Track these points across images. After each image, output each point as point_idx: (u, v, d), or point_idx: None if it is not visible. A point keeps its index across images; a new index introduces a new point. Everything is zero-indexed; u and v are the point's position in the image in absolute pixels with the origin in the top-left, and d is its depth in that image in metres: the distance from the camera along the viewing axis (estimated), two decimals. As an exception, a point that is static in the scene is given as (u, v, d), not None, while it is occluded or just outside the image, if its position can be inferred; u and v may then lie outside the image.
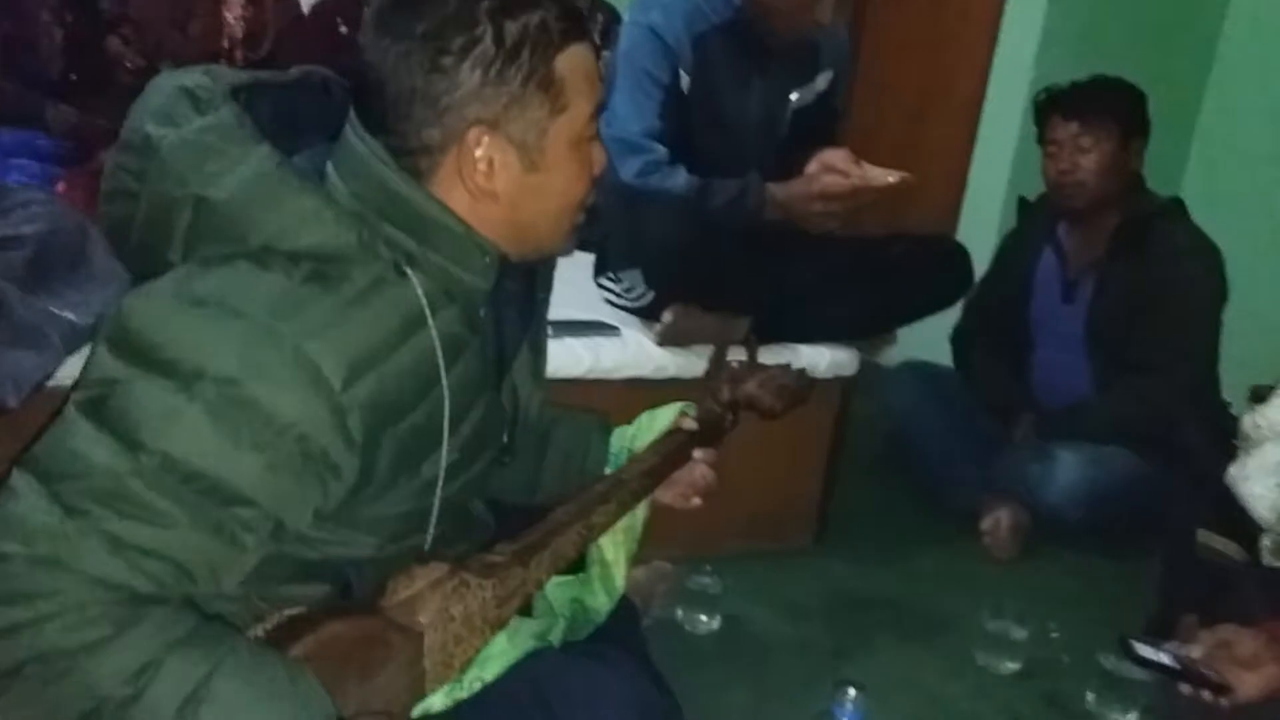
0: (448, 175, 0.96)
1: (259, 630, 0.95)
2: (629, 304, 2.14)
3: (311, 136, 1.03)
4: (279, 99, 1.05)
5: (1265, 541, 1.73)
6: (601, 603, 1.25)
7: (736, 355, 1.43)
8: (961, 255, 2.32)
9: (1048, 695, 1.85)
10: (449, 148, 0.95)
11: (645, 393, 1.95)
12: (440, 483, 1.01)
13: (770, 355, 2.07)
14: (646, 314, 2.09)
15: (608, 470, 1.31)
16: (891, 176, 1.97)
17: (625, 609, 1.30)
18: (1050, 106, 2.44)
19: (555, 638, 1.18)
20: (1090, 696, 1.80)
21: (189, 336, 0.88)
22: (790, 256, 2.11)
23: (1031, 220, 2.62)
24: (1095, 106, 2.37)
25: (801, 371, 1.48)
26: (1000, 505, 2.36)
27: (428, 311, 0.96)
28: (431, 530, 1.04)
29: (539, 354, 1.20)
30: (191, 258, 0.94)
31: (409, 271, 0.96)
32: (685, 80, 2.04)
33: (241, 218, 0.93)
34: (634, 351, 2.01)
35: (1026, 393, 2.56)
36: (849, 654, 1.90)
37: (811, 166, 2.01)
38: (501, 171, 0.96)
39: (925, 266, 2.26)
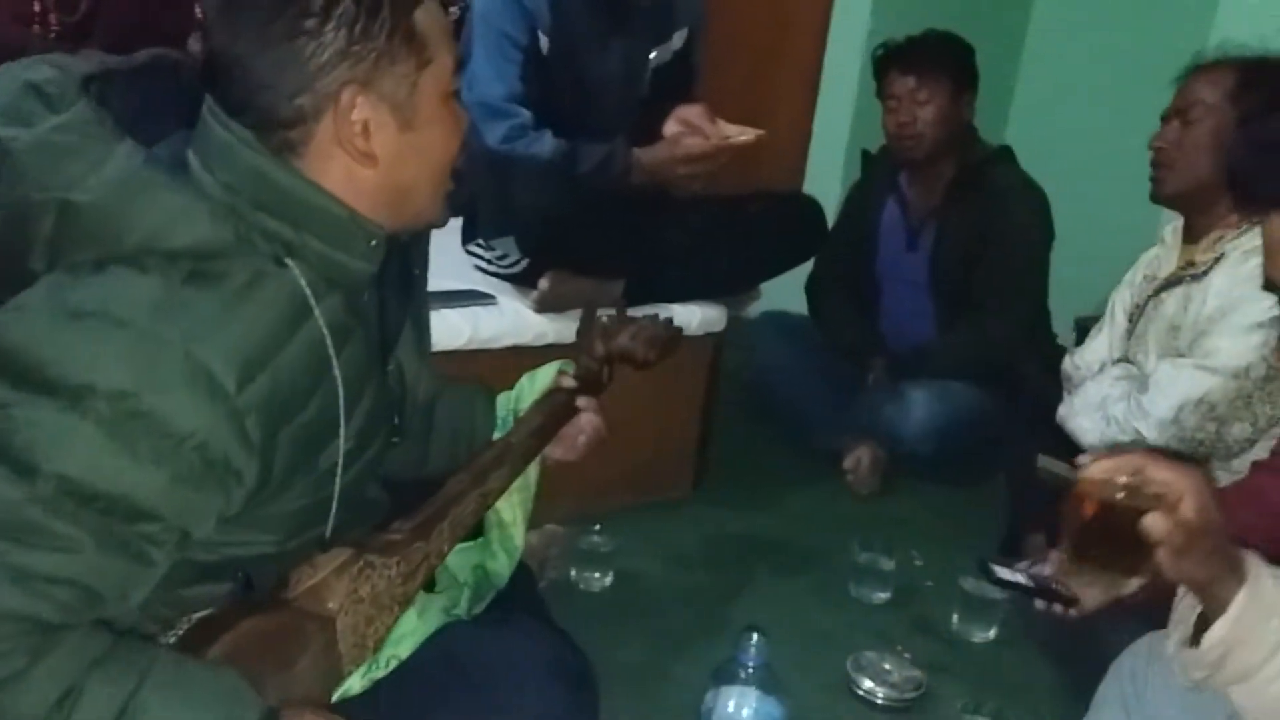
0: (323, 144, 0.93)
1: (170, 638, 0.94)
2: (502, 271, 2.13)
3: (168, 124, 0.98)
4: (131, 86, 1.00)
5: (1094, 470, 1.90)
6: (502, 564, 1.27)
7: (606, 311, 1.46)
8: (815, 210, 2.41)
9: (917, 620, 1.98)
10: (322, 114, 0.92)
11: (527, 360, 1.93)
12: (339, 472, 1.01)
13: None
14: (520, 280, 2.09)
15: (496, 436, 1.32)
16: (748, 134, 2.01)
17: (523, 575, 1.33)
18: (888, 62, 2.52)
19: (462, 609, 1.20)
20: (955, 618, 1.94)
21: (72, 352, 0.83)
22: (658, 218, 2.13)
23: (874, 172, 2.72)
24: (930, 61, 2.46)
25: (669, 321, 1.52)
26: (860, 444, 2.49)
27: (311, 300, 0.94)
28: (331, 520, 1.03)
29: (422, 330, 1.20)
30: (58, 265, 0.89)
31: (289, 262, 0.93)
32: (544, 41, 2.01)
33: (111, 221, 0.88)
34: (512, 320, 2.01)
35: (877, 337, 2.68)
36: (735, 597, 1.99)
37: (669, 126, 2.03)
38: (378, 132, 0.94)
39: (783, 223, 2.33)
